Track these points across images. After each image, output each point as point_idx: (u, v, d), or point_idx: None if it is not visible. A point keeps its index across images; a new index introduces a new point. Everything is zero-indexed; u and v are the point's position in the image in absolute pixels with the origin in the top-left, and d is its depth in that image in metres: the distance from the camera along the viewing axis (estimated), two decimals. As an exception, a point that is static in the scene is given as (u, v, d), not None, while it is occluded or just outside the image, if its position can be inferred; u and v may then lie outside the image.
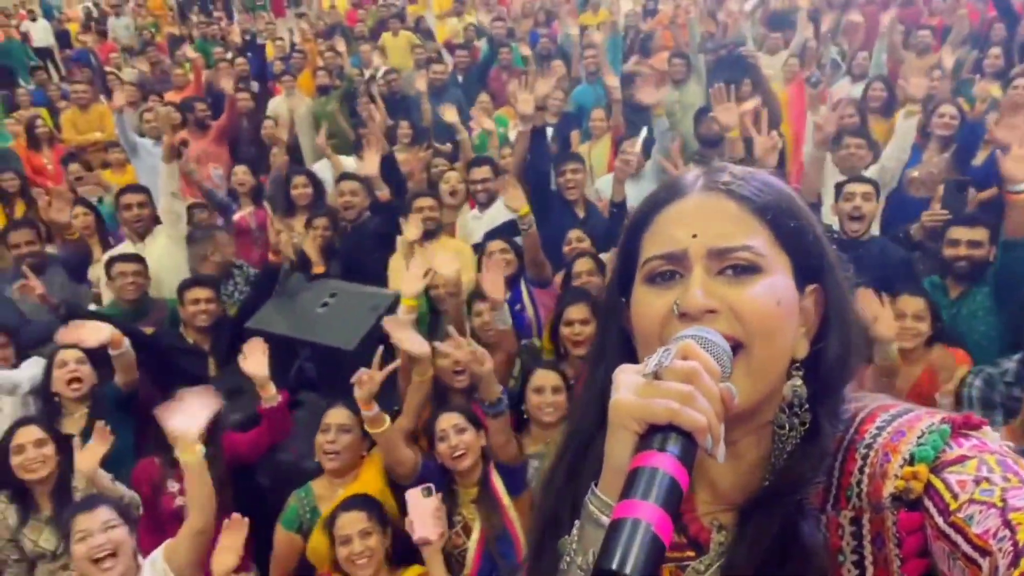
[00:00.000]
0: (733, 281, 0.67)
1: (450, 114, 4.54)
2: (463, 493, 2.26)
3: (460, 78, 6.19)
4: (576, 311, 2.65)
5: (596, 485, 0.61)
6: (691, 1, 6.16)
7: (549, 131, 4.89)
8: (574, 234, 3.34)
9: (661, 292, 0.69)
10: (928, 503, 0.59)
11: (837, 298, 0.72)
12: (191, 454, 2.15)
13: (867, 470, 0.64)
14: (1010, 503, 0.54)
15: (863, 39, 5.53)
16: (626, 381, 0.59)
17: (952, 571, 0.56)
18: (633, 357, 0.72)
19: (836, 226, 3.05)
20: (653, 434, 0.56)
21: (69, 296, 3.38)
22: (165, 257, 3.62)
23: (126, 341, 2.75)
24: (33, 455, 2.46)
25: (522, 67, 5.97)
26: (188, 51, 6.33)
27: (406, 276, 2.80)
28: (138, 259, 3.32)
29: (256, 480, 2.72)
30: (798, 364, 0.69)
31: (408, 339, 2.45)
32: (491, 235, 3.41)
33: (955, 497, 0.57)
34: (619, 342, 0.75)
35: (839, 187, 3.05)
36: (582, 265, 2.98)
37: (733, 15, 6.19)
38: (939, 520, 0.57)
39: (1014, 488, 0.56)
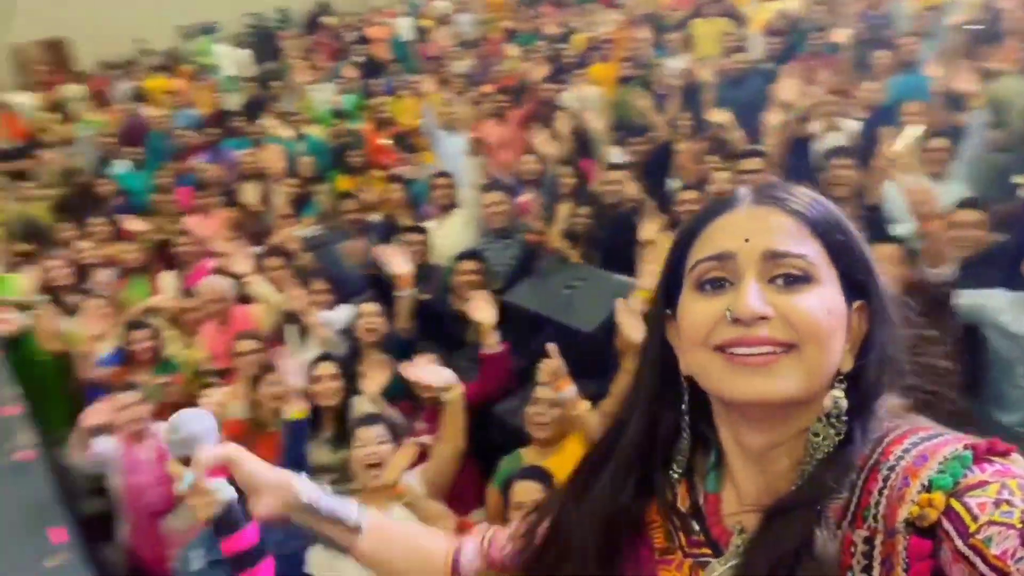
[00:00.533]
0: (784, 290, 0.68)
1: (719, 115, 4.41)
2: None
3: (768, 66, 5.90)
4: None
5: None
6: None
7: (856, 124, 4.50)
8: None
9: (711, 299, 0.71)
10: (948, 526, 0.60)
11: (882, 316, 0.73)
12: (454, 392, 2.53)
13: (886, 492, 0.64)
14: None
15: None
16: None
17: None
18: (673, 369, 0.77)
19: None
20: None
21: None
22: (457, 235, 4.17)
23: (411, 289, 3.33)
24: (328, 386, 3.04)
25: (832, 53, 5.50)
26: (507, 48, 6.92)
27: (644, 269, 2.87)
28: (421, 231, 3.87)
29: (490, 437, 3.03)
30: (842, 377, 0.71)
31: (630, 324, 2.53)
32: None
33: (975, 519, 0.58)
34: (660, 354, 0.79)
35: None
36: None
37: None
38: (959, 543, 0.58)
39: None
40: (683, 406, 0.78)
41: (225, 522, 0.73)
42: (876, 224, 3.08)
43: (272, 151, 5.49)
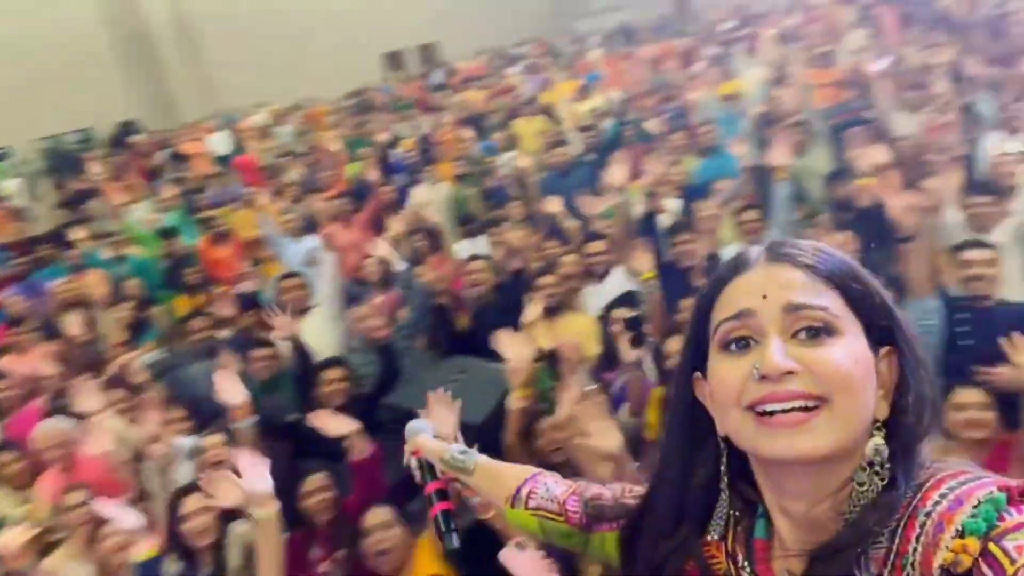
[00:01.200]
0: (808, 344, 0.69)
1: (552, 205, 4.72)
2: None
3: (590, 157, 6.38)
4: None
5: None
6: (811, 67, 6.11)
7: (677, 203, 4.95)
8: (686, 303, 3.37)
9: (737, 359, 0.72)
10: (987, 570, 0.60)
11: (911, 360, 0.74)
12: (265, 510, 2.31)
13: (923, 539, 0.64)
14: None
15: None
16: None
17: None
18: (704, 429, 0.80)
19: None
20: None
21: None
22: (319, 334, 4.06)
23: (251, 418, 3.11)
24: (198, 521, 2.77)
25: (649, 142, 6.09)
26: (331, 143, 7.02)
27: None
28: (269, 344, 3.72)
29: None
30: (879, 424, 0.72)
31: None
32: (610, 306, 3.51)
33: (1012, 562, 0.58)
34: (690, 415, 0.82)
35: (954, 250, 2.91)
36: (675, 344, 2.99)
37: (866, 77, 6.07)
38: None
39: None
40: (722, 467, 0.79)
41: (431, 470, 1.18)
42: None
43: (93, 276, 5.07)
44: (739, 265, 0.76)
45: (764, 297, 0.71)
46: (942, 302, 2.83)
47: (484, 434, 2.71)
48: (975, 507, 0.62)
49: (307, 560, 2.77)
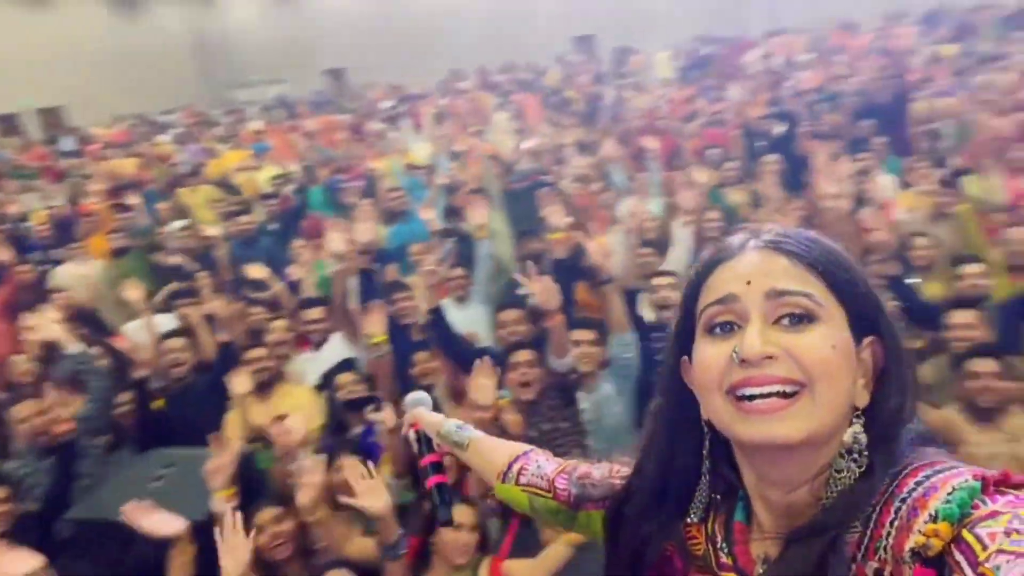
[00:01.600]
0: (789, 329, 0.70)
1: (256, 271, 4.42)
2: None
3: (274, 226, 6.05)
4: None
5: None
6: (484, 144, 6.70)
7: (376, 266, 4.92)
8: (420, 356, 3.38)
9: (720, 342, 0.73)
10: (959, 556, 0.60)
11: (894, 349, 0.74)
12: None
13: (896, 523, 0.65)
14: None
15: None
16: None
17: None
18: (689, 411, 0.79)
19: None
20: None
21: None
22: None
23: None
24: None
25: (336, 210, 6.00)
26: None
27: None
28: None
29: None
30: (859, 412, 0.72)
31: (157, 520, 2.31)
32: (330, 374, 3.34)
33: (984, 548, 0.59)
34: (676, 399, 0.81)
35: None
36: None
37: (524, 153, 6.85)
38: (968, 572, 0.59)
39: None
40: (704, 450, 0.79)
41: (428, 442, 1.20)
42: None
43: None
44: (726, 252, 0.77)
45: (748, 283, 0.73)
46: (638, 334, 3.20)
47: (212, 535, 2.33)
48: (949, 494, 0.64)
49: None
